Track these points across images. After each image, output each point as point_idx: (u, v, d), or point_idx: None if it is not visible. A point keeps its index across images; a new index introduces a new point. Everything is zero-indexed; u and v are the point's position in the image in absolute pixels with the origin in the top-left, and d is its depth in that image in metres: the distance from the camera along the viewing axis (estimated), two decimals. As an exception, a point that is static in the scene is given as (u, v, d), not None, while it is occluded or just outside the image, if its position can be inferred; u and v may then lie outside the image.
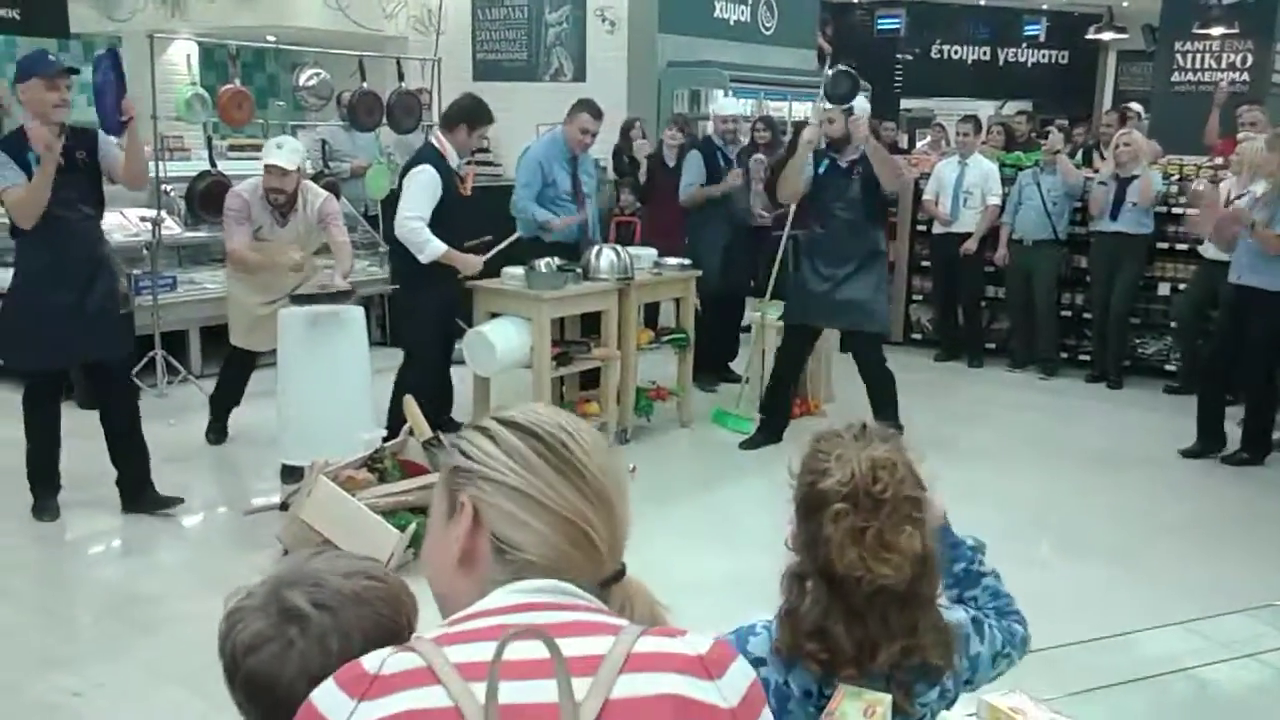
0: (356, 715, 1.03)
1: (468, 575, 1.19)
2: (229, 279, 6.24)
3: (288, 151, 5.77)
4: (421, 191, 5.68)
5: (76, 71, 4.88)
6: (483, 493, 1.18)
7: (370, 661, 1.07)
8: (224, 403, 6.28)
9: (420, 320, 5.94)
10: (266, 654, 1.30)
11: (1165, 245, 8.02)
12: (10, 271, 5.01)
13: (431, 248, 5.66)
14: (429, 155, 5.84)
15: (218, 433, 6.25)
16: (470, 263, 5.82)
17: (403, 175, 5.99)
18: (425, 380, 5.86)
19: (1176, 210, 7.93)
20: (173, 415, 6.51)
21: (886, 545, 1.63)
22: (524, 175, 6.71)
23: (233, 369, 6.27)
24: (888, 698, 1.62)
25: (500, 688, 1.01)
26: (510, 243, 6.19)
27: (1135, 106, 10.73)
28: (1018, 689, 1.70)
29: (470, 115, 5.89)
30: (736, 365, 7.88)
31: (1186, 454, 6.38)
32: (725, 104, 7.86)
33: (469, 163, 6.29)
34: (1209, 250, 7.27)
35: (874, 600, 1.67)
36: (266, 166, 5.73)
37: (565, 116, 6.64)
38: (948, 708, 1.82)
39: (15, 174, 4.67)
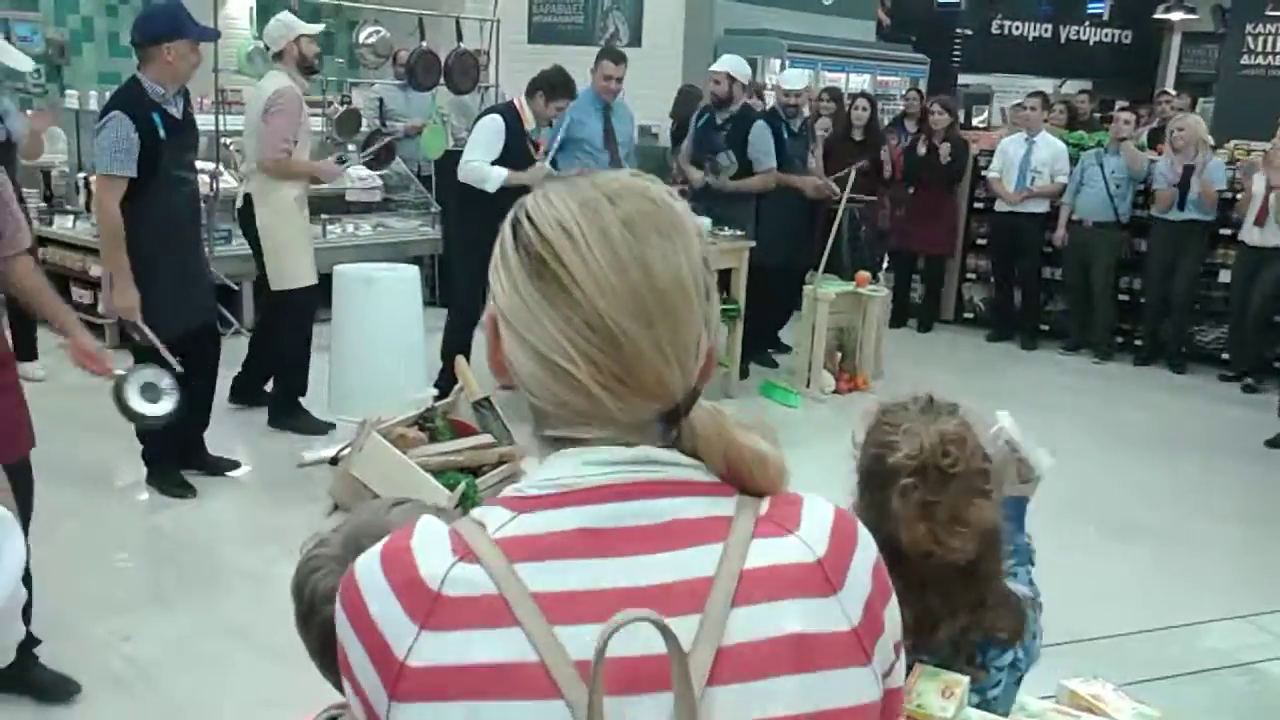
0: (419, 649, 0.87)
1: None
2: (277, 219, 5.34)
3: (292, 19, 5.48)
4: (483, 136, 5.72)
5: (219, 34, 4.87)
6: (495, 304, 0.97)
7: (430, 568, 0.89)
8: (296, 388, 5.61)
9: (475, 283, 5.79)
10: None
11: (1228, 231, 7.75)
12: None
13: (494, 175, 5.61)
14: (503, 108, 5.93)
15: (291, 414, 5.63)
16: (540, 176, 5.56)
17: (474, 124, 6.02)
18: (469, 339, 5.83)
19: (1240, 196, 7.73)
20: (225, 367, 6.53)
21: (958, 519, 1.62)
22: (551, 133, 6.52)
23: (296, 331, 5.49)
24: (965, 679, 1.59)
25: (592, 637, 0.83)
26: None
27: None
28: (1098, 676, 1.66)
29: (548, 85, 5.84)
30: (785, 335, 7.78)
31: (1271, 444, 6.25)
32: (790, 76, 7.68)
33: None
34: (1252, 235, 7.11)
35: (937, 575, 1.66)
36: (303, 38, 5.32)
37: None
38: (1016, 682, 1.78)
39: (129, 159, 4.31)
